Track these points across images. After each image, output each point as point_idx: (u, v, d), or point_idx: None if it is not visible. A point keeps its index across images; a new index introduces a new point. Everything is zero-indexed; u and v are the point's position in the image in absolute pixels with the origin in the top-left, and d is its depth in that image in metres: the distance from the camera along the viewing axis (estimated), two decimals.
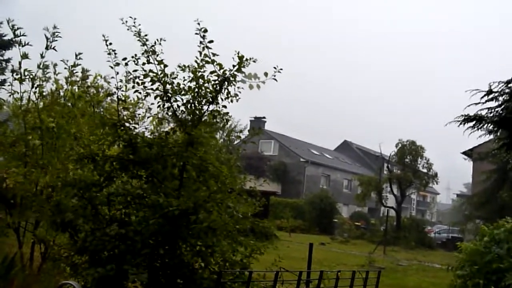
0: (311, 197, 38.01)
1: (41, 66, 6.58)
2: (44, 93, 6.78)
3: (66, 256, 5.70)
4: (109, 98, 7.94)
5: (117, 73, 5.56)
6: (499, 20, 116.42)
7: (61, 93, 7.26)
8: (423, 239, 32.31)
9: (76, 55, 6.97)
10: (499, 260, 9.55)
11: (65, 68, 6.90)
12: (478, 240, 10.72)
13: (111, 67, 5.56)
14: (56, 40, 6.55)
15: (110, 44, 5.51)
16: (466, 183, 47.82)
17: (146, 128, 6.98)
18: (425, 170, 34.54)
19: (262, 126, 46.17)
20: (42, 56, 6.57)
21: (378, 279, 7.36)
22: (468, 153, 26.18)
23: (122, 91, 5.77)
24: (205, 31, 5.44)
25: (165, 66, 5.56)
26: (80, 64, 7.07)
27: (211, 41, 5.47)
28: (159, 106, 5.73)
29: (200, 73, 5.59)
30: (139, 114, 6.33)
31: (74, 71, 7.07)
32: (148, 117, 6.78)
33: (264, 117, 46.57)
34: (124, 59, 5.49)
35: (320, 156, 50.20)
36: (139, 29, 5.48)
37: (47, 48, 6.54)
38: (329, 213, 36.84)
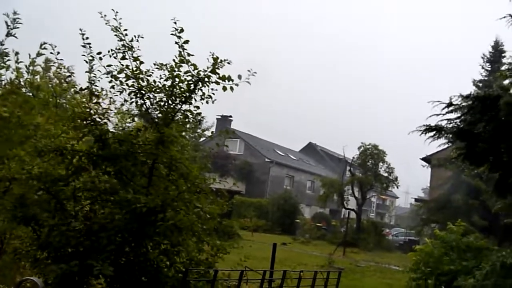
0: (274, 197, 38.35)
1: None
2: (1, 81, 6.53)
3: (27, 251, 5.60)
4: (72, 89, 7.80)
5: (92, 67, 5.50)
6: (462, 36, 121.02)
7: (22, 83, 7.01)
8: (382, 242, 33.24)
9: (41, 45, 6.79)
10: (450, 262, 10.06)
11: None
12: (431, 243, 11.25)
13: (86, 62, 5.50)
14: (17, 28, 6.30)
15: (87, 38, 5.44)
16: (424, 188, 49.43)
17: (109, 120, 6.91)
18: (386, 174, 35.44)
19: (228, 125, 46.20)
20: (1, 44, 6.29)
21: (338, 279, 7.61)
22: (427, 159, 27.07)
23: (96, 85, 5.69)
24: (181, 31, 5.49)
25: (141, 62, 5.56)
26: (43, 54, 6.90)
27: (186, 41, 5.52)
28: (132, 102, 5.72)
29: (176, 72, 5.63)
30: (110, 110, 6.26)
31: (36, 62, 6.86)
32: (111, 110, 6.68)
33: (230, 116, 46.60)
34: (99, 53, 5.45)
35: (285, 157, 50.67)
36: (117, 23, 5.45)
37: (7, 35, 6.28)
38: (292, 214, 37.30)
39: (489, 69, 24.28)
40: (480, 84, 23.89)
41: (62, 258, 4.92)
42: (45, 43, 6.82)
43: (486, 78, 23.85)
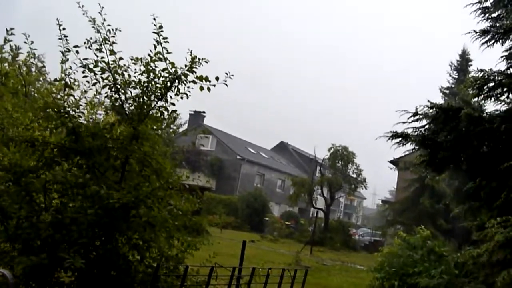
0: (245, 195, 38.48)
1: None
2: None
3: None
4: (41, 78, 7.66)
5: (67, 59, 5.44)
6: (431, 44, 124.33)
7: None
8: (348, 241, 33.87)
9: (7, 31, 6.66)
10: (413, 263, 10.44)
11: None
12: (395, 245, 11.63)
13: (62, 52, 5.43)
14: None
15: (64, 29, 5.39)
16: (391, 190, 50.65)
17: (82, 113, 6.84)
18: (354, 175, 36.10)
19: (201, 121, 46.06)
20: None
21: (305, 277, 7.79)
22: (394, 162, 27.76)
23: (70, 77, 5.64)
24: (161, 27, 5.51)
25: (120, 58, 5.55)
26: (11, 40, 6.76)
27: (165, 38, 5.54)
28: (107, 96, 5.71)
29: (151, 68, 5.64)
30: (85, 103, 6.21)
31: (4, 49, 6.72)
32: (84, 103, 6.61)
33: (203, 112, 46.43)
34: (76, 46, 5.41)
35: (256, 154, 50.89)
36: (101, 17, 5.43)
37: None
38: (261, 212, 37.54)
39: (456, 77, 25.11)
40: (447, 91, 24.72)
41: (30, 250, 4.87)
42: (12, 28, 6.68)
43: (453, 86, 24.66)
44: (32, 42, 5.81)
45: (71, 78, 5.73)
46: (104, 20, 5.47)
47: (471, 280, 7.46)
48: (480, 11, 8.71)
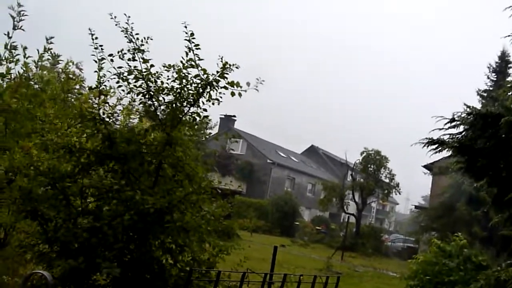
0: (275, 199, 38.43)
1: (8, 47, 6.33)
2: (11, 75, 6.58)
3: (33, 245, 5.69)
4: (78, 85, 7.88)
5: (102, 67, 5.60)
6: (468, 46, 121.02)
7: (31, 77, 7.09)
8: (380, 247, 33.29)
9: (47, 39, 6.87)
10: (449, 272, 10.15)
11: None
12: (430, 252, 11.33)
13: (95, 61, 5.60)
14: (23, 20, 6.33)
15: (96, 38, 5.55)
16: (425, 196, 49.45)
17: (117, 120, 7.02)
18: (387, 180, 35.48)
19: (232, 124, 46.31)
20: (9, 37, 6.29)
21: (337, 284, 7.69)
22: (428, 167, 27.08)
23: (105, 85, 5.80)
24: (192, 34, 5.59)
25: (152, 66, 5.66)
26: (51, 49, 6.98)
27: (197, 45, 5.62)
28: (141, 103, 5.83)
29: (183, 74, 5.73)
30: (119, 110, 6.37)
31: (44, 56, 6.94)
32: (119, 109, 6.76)
33: (234, 116, 46.67)
34: (110, 55, 5.56)
35: (286, 158, 50.76)
36: (129, 27, 5.56)
37: (14, 28, 6.27)
38: (292, 216, 37.38)
39: (495, 79, 24.26)
40: (485, 94, 23.90)
41: (68, 253, 5.01)
42: (51, 37, 6.91)
43: (491, 89, 23.85)
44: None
45: (105, 86, 5.89)
46: (132, 29, 5.58)
47: None
48: None
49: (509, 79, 21.03)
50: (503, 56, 24.38)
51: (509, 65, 23.91)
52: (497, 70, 24.35)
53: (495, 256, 13.07)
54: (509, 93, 8.34)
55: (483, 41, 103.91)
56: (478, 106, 22.79)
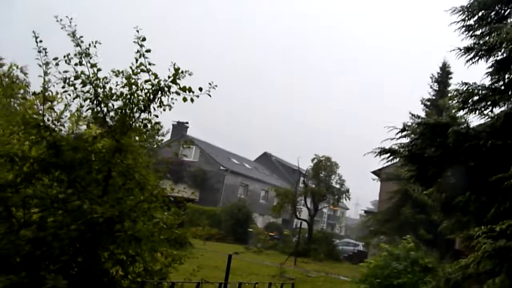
0: (228, 206, 38.25)
1: None
2: None
3: None
4: (22, 90, 7.54)
5: (47, 72, 5.34)
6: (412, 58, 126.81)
7: None
8: (332, 252, 33.88)
9: None
10: (398, 274, 10.49)
11: None
12: (380, 256, 11.68)
13: (40, 65, 5.34)
14: None
15: (41, 41, 5.30)
16: (373, 201, 51.10)
17: (63, 126, 6.74)
18: (338, 186, 36.24)
19: (184, 131, 45.84)
20: None
21: None
22: (377, 173, 28.02)
23: (51, 90, 5.54)
24: (143, 39, 5.47)
25: (99, 70, 5.48)
26: None
27: (148, 50, 5.50)
28: (89, 109, 5.62)
29: (133, 80, 5.59)
30: (65, 116, 6.11)
31: None
32: (65, 116, 6.51)
33: (187, 122, 46.26)
34: (55, 58, 5.32)
35: (240, 165, 50.78)
36: (74, 30, 5.37)
37: None
38: (245, 223, 37.31)
39: (437, 89, 25.57)
40: (428, 103, 25.15)
41: (9, 268, 4.71)
42: None
43: (434, 97, 25.12)
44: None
45: (51, 91, 5.64)
46: (75, 31, 5.39)
47: None
48: (464, 28, 8.94)
49: (450, 88, 22.26)
50: (444, 67, 25.80)
51: (450, 75, 25.34)
52: (439, 80, 25.72)
53: (439, 259, 13.66)
54: (451, 102, 8.80)
55: (428, 54, 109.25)
56: (422, 114, 23.87)
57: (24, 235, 4.92)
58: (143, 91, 5.64)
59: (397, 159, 8.14)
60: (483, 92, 7.86)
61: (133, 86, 5.62)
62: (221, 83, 5.57)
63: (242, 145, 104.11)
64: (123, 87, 5.62)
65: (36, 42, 5.33)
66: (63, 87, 5.47)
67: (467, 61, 8.54)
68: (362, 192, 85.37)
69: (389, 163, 8.84)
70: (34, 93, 5.81)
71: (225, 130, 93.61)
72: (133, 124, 5.69)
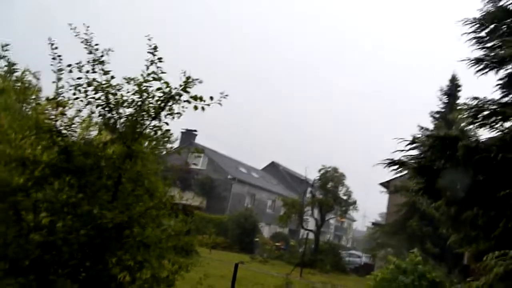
0: (235, 215, 38.19)
1: None
2: None
3: None
4: (34, 95, 7.62)
5: (60, 78, 5.44)
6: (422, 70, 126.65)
7: None
8: (338, 263, 33.60)
9: (2, 46, 6.64)
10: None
11: None
12: (386, 269, 11.59)
13: (54, 72, 5.44)
14: None
15: (56, 48, 5.40)
16: (381, 213, 50.72)
17: (75, 132, 6.81)
18: (345, 197, 36.03)
19: (193, 139, 45.99)
20: None
21: None
22: (385, 185, 27.85)
23: (63, 96, 5.62)
24: (155, 48, 5.55)
25: (112, 77, 5.55)
26: (6, 56, 6.75)
27: (160, 59, 5.57)
28: (100, 115, 5.69)
29: (144, 87, 5.65)
30: (77, 122, 6.18)
31: None
32: (77, 122, 6.57)
33: (195, 130, 46.42)
34: (69, 65, 5.42)
35: (247, 174, 50.78)
36: (89, 37, 5.45)
37: None
38: (251, 232, 37.20)
39: (446, 102, 25.46)
40: (437, 116, 25.04)
41: (18, 271, 4.76)
42: (7, 44, 6.67)
43: (443, 110, 25.00)
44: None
45: (63, 97, 5.72)
46: (89, 39, 5.47)
47: None
48: (475, 40, 8.94)
49: (459, 101, 22.13)
50: (453, 80, 25.69)
51: (459, 88, 25.21)
52: (448, 93, 25.59)
53: (447, 273, 13.52)
54: (460, 116, 8.77)
55: (437, 68, 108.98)
56: (431, 126, 23.66)
57: (34, 239, 4.98)
58: (154, 98, 5.70)
59: (406, 171, 8.10)
60: (493, 107, 7.83)
61: (144, 94, 5.68)
62: (232, 93, 5.62)
63: (250, 154, 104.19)
64: (133, 94, 5.69)
65: (52, 49, 5.44)
66: (74, 94, 5.55)
67: (477, 71, 8.52)
68: (370, 204, 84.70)
69: (398, 175, 8.81)
70: (47, 99, 5.90)
71: (233, 139, 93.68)
72: (144, 131, 5.75)
